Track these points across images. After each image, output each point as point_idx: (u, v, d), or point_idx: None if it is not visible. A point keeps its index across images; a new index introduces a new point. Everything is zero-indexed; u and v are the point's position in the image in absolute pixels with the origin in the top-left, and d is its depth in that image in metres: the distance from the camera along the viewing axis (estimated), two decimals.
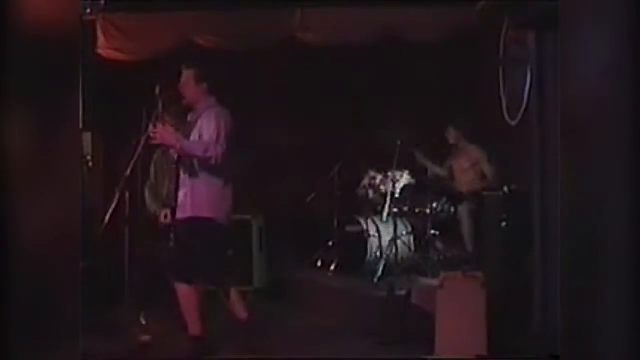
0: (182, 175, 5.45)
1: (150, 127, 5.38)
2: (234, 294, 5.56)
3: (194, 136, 5.38)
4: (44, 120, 3.18)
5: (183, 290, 5.41)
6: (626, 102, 3.16)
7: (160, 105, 5.46)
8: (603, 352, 3.15)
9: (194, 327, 5.43)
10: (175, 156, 5.51)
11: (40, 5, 3.13)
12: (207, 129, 5.31)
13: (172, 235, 5.62)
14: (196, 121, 5.44)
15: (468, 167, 7.66)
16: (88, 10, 6.94)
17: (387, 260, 7.25)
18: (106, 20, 7.27)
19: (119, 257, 6.21)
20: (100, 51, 7.35)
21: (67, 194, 3.27)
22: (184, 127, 5.50)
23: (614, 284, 3.15)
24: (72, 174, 3.31)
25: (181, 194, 5.44)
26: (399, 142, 7.48)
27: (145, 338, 5.71)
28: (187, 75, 5.50)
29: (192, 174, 5.37)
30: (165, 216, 6.19)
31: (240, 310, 5.53)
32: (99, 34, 7.31)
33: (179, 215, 5.45)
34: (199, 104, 5.50)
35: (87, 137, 7.55)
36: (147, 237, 6.72)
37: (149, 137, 5.52)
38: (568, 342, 3.24)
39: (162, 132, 5.29)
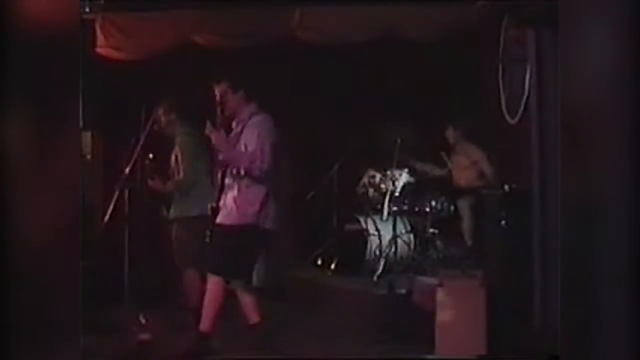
0: (228, 180, 5.50)
1: (208, 128, 5.38)
2: (249, 295, 5.57)
3: (239, 148, 5.42)
4: (43, 120, 3.18)
5: (214, 284, 5.42)
6: (626, 100, 3.16)
7: (218, 111, 5.44)
8: (603, 352, 3.15)
9: (208, 324, 5.43)
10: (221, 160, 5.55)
11: (40, 4, 3.13)
12: (250, 139, 5.37)
13: (212, 233, 5.59)
14: (241, 131, 5.46)
15: (468, 165, 7.66)
16: (88, 9, 6.94)
17: (386, 258, 7.25)
18: (106, 19, 7.26)
19: (119, 255, 6.22)
20: (99, 50, 7.34)
21: (67, 193, 3.27)
22: (231, 138, 5.52)
23: (614, 283, 3.15)
24: (71, 173, 3.31)
25: (228, 197, 5.47)
26: (398, 141, 7.48)
27: (145, 336, 5.71)
28: (222, 88, 5.49)
29: (236, 181, 5.44)
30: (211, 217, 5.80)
31: (254, 314, 5.54)
32: (99, 32, 7.30)
33: (223, 218, 5.46)
34: (240, 113, 5.52)
35: (87, 135, 7.54)
36: (150, 236, 6.73)
37: (148, 135, 5.52)
38: (568, 341, 3.24)
39: (217, 137, 5.35)
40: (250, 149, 5.34)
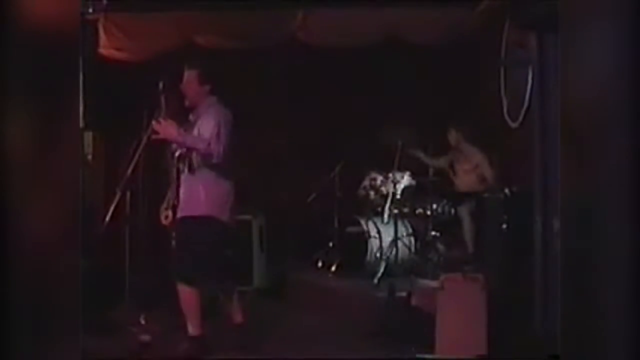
0: (182, 174, 5.46)
1: (153, 123, 5.36)
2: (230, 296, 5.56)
3: (194, 134, 5.39)
4: (44, 120, 3.18)
5: (184, 290, 5.39)
6: (627, 103, 3.16)
7: (162, 102, 5.44)
8: (603, 353, 3.15)
9: (194, 327, 5.42)
10: (176, 154, 5.50)
11: (40, 4, 3.13)
12: (206, 126, 5.33)
13: (174, 235, 5.59)
14: (196, 121, 5.45)
15: (469, 169, 7.66)
16: (90, 10, 6.94)
17: (387, 261, 7.25)
18: (108, 20, 7.28)
19: (120, 256, 6.22)
20: (102, 50, 7.36)
21: (67, 193, 3.26)
22: (185, 126, 5.50)
23: (615, 287, 3.14)
24: (72, 173, 3.31)
25: (182, 192, 5.44)
26: (399, 143, 7.48)
27: (145, 338, 5.70)
28: (190, 75, 5.50)
29: (192, 172, 5.39)
30: (166, 216, 5.88)
31: (236, 312, 5.53)
32: (101, 33, 7.31)
33: (181, 214, 5.44)
34: (200, 104, 5.51)
35: (88, 136, 7.53)
36: (150, 238, 6.73)
37: (150, 135, 5.52)
38: (568, 343, 3.24)
39: (165, 127, 5.28)
40: (205, 135, 5.29)
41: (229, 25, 7.48)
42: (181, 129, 5.33)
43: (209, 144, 5.24)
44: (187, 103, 5.53)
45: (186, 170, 5.42)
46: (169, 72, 5.62)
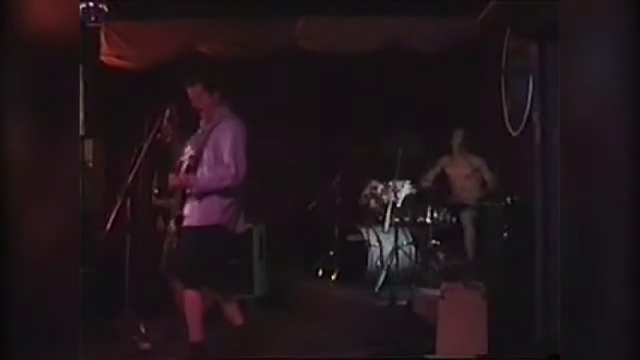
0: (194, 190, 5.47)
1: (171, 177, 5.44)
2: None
3: (208, 148, 5.38)
4: (44, 128, 3.18)
5: (190, 296, 5.35)
6: (627, 112, 3.16)
7: (165, 125, 5.45)
8: (603, 353, 3.15)
9: (196, 334, 5.39)
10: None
11: (40, 12, 3.13)
12: (224, 147, 5.33)
13: (179, 241, 5.56)
14: (210, 131, 5.43)
15: (469, 174, 7.65)
16: (92, 18, 6.95)
17: (388, 270, 7.24)
18: (110, 28, 7.29)
19: (121, 263, 6.22)
20: (104, 59, 7.37)
21: (68, 201, 3.26)
22: (196, 138, 5.50)
23: (614, 295, 3.14)
24: (72, 181, 3.31)
25: (190, 201, 5.44)
26: (400, 152, 7.48)
27: (146, 346, 5.69)
28: (196, 90, 5.48)
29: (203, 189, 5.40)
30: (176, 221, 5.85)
31: (236, 316, 5.51)
32: (103, 41, 7.33)
33: (189, 222, 5.42)
34: (213, 114, 5.50)
35: (89, 144, 7.54)
36: (151, 245, 6.73)
37: (151, 144, 5.52)
38: (568, 344, 3.24)
39: (176, 180, 5.40)
40: (223, 158, 5.31)
41: (231, 33, 7.50)
42: (194, 177, 5.36)
43: (223, 180, 5.28)
44: (201, 118, 5.52)
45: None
46: (169, 84, 5.63)
